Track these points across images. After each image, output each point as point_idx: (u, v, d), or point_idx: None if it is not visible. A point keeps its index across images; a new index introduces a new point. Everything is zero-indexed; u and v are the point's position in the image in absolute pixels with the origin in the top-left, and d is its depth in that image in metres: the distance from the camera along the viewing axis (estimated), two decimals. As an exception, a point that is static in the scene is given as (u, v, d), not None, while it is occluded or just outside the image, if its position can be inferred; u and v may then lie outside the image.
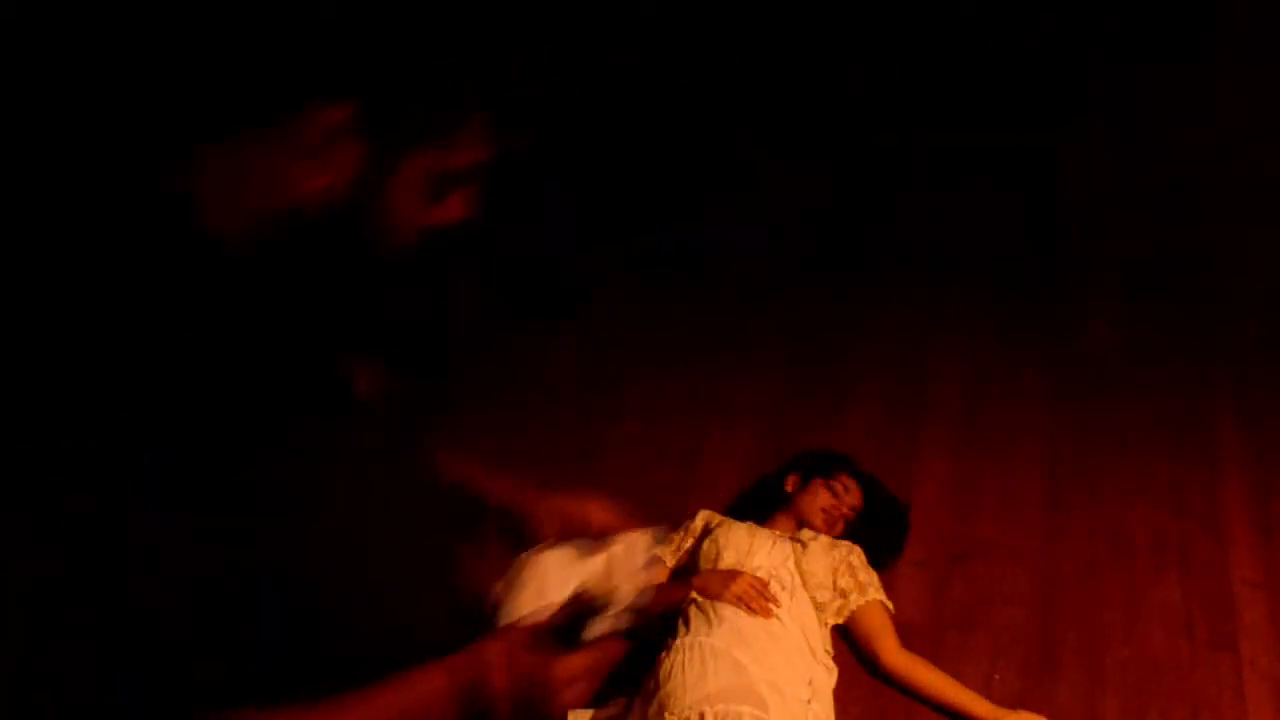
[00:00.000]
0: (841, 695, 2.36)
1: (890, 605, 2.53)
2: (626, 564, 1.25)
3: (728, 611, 2.29)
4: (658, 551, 2.65)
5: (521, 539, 1.29)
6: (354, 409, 1.06)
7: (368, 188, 0.98)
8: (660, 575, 2.62)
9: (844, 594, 2.50)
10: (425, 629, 1.12)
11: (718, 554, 2.50)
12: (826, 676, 2.36)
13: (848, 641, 2.52)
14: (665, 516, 2.79)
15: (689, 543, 2.64)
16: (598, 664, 1.11)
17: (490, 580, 1.23)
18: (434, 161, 1.01)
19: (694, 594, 2.37)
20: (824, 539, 2.58)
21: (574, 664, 1.09)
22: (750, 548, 2.50)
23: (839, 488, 2.69)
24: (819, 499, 2.66)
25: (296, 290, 0.99)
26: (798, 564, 2.49)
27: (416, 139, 0.99)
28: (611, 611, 1.15)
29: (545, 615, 1.14)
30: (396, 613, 1.08)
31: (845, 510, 2.67)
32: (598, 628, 1.13)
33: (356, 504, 1.03)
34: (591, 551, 1.27)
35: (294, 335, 0.99)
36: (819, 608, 2.47)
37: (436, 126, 1.00)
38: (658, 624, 2.41)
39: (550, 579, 1.24)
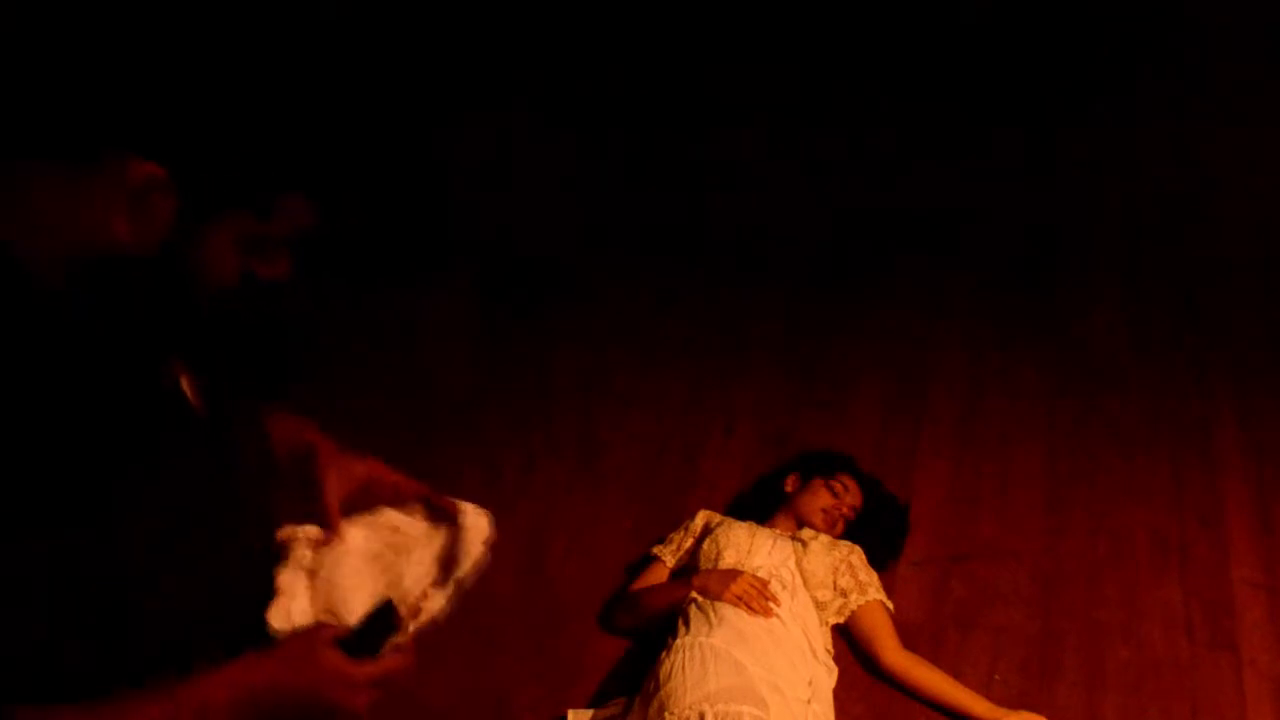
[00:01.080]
0: (841, 695, 2.36)
1: (890, 605, 2.53)
2: (471, 525, 1.22)
3: (728, 611, 2.29)
4: (657, 551, 2.66)
5: (310, 499, 1.24)
6: (179, 413, 1.08)
7: (182, 241, 1.01)
8: (662, 574, 2.62)
9: (844, 593, 2.50)
10: (235, 625, 1.11)
11: (718, 554, 2.50)
12: (827, 676, 2.36)
13: (848, 641, 2.52)
14: (666, 516, 2.79)
15: (689, 543, 2.64)
16: (392, 672, 1.10)
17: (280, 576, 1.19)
18: (249, 226, 1.03)
19: (694, 594, 2.37)
20: (824, 539, 2.58)
21: (372, 671, 1.08)
22: (750, 547, 2.50)
23: (839, 487, 2.69)
24: (819, 499, 2.66)
25: (112, 317, 1.02)
26: (798, 563, 2.49)
27: (230, 204, 1.02)
28: (413, 624, 1.14)
29: (343, 624, 1.12)
30: (206, 610, 1.07)
31: (845, 510, 2.67)
32: (398, 637, 1.12)
33: (173, 502, 1.04)
34: (402, 542, 1.23)
35: (113, 353, 1.02)
36: (820, 607, 2.47)
37: (251, 196, 1.03)
38: (658, 623, 2.42)
39: (346, 584, 1.19)
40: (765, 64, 4.83)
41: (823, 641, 2.42)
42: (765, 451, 3.05)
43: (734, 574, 2.39)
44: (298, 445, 1.25)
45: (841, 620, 2.50)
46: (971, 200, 4.14)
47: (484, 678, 2.48)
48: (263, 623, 1.13)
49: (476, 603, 2.47)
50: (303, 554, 1.19)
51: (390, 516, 1.25)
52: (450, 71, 4.64)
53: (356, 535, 1.23)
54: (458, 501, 1.26)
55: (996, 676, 2.45)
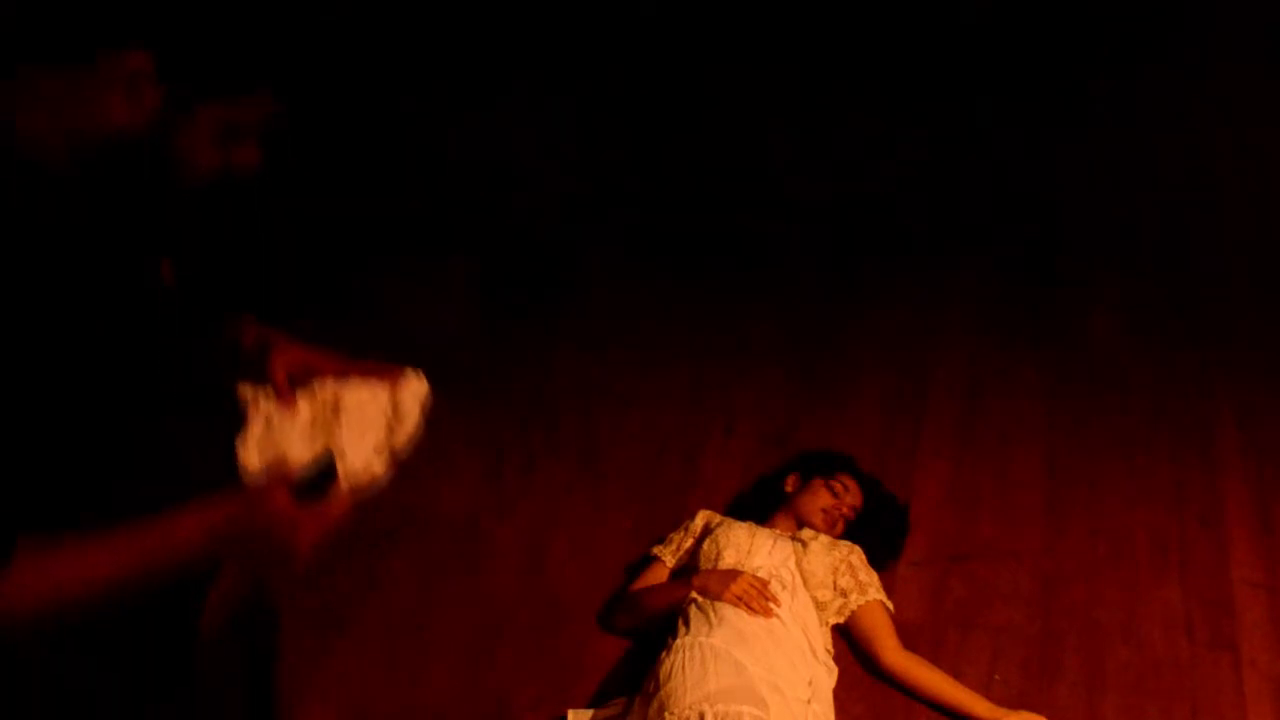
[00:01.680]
0: (841, 695, 2.36)
1: (890, 605, 2.53)
2: (403, 394, 1.39)
3: (728, 611, 2.29)
4: (657, 551, 2.67)
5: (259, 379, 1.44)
6: (159, 294, 1.26)
7: (167, 127, 1.17)
8: (661, 574, 2.62)
9: (844, 593, 2.50)
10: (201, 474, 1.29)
11: (718, 554, 2.50)
12: (827, 676, 2.36)
13: (848, 641, 2.52)
14: (666, 516, 2.79)
15: (689, 543, 2.64)
16: (331, 518, 1.26)
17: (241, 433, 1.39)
18: (223, 114, 1.20)
19: (694, 594, 2.37)
20: (824, 539, 2.58)
21: (318, 518, 1.25)
22: (750, 547, 2.50)
23: (839, 487, 2.69)
24: (819, 499, 2.66)
25: (107, 203, 1.18)
26: (798, 563, 2.49)
27: (210, 92, 1.19)
28: (350, 481, 1.31)
29: (292, 472, 1.27)
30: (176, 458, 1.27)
31: (845, 510, 2.66)
32: (353, 464, 1.31)
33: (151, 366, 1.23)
34: (344, 408, 1.40)
35: (106, 238, 1.19)
36: (820, 607, 2.47)
37: (228, 84, 1.20)
38: (658, 624, 2.42)
39: (293, 443, 1.37)
40: (766, 63, 4.83)
41: (823, 641, 2.42)
42: (765, 451, 3.05)
43: (734, 574, 2.39)
44: (260, 336, 1.44)
45: (841, 620, 2.50)
46: (972, 200, 4.14)
47: (484, 678, 2.48)
48: (229, 464, 1.33)
49: (476, 602, 2.48)
50: (263, 404, 1.39)
51: (333, 387, 1.42)
52: (450, 71, 4.64)
53: (303, 405, 1.40)
54: (398, 368, 1.43)
55: (996, 676, 2.45)
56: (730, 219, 4.04)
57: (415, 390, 1.42)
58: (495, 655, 2.52)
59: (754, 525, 2.61)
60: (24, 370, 1.08)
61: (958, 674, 2.42)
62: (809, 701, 2.20)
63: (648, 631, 2.46)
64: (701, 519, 2.68)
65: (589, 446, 3.11)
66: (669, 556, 2.64)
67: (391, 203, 3.90)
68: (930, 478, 2.98)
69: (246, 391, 1.40)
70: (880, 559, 2.64)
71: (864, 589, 2.51)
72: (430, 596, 2.67)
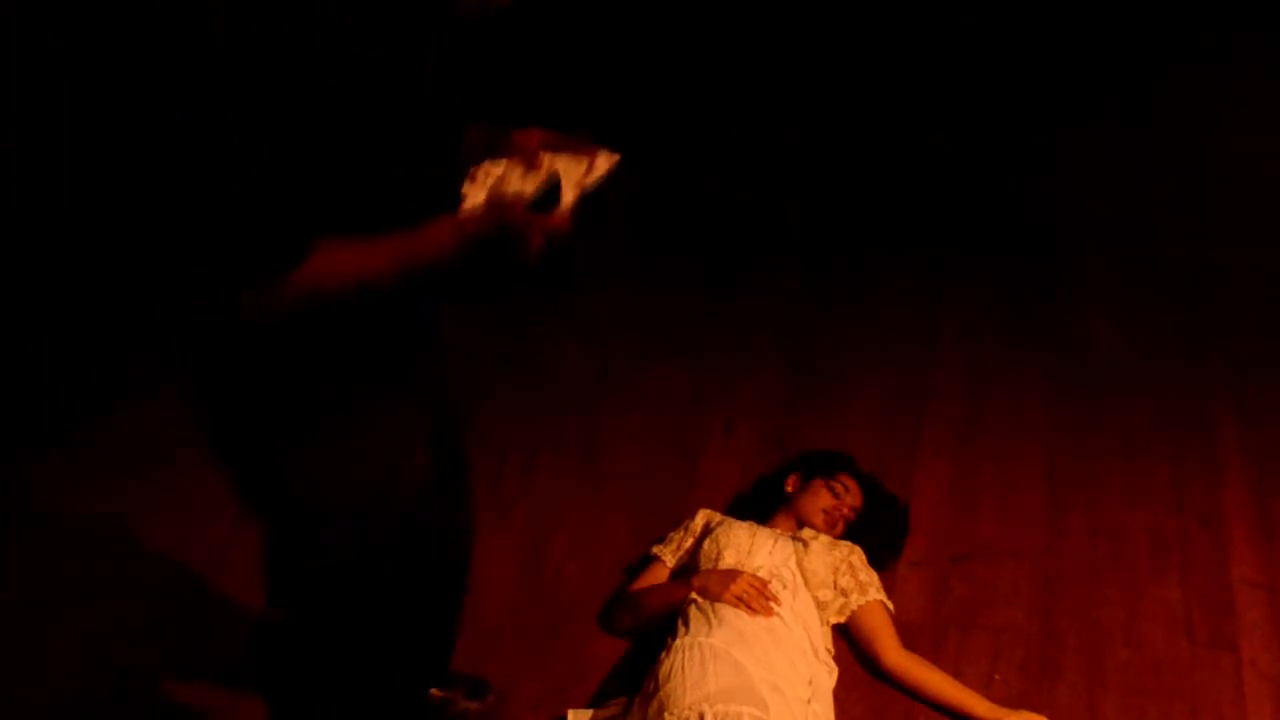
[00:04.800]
0: (841, 695, 2.36)
1: (890, 605, 2.53)
2: (600, 161, 1.73)
3: (728, 612, 2.29)
4: (657, 551, 2.66)
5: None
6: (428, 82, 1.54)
7: None
8: (662, 574, 2.62)
9: (845, 593, 2.50)
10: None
11: (718, 554, 2.49)
12: (827, 676, 2.36)
13: (848, 641, 2.52)
14: (666, 516, 2.79)
15: (689, 542, 2.64)
16: (560, 225, 1.61)
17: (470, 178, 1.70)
18: None
19: (694, 594, 2.37)
20: (824, 538, 2.58)
21: (547, 222, 1.59)
22: (751, 547, 2.50)
23: (839, 488, 2.69)
24: (819, 499, 2.66)
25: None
26: (799, 563, 2.49)
27: None
28: (578, 185, 1.68)
29: (527, 190, 1.66)
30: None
31: (846, 510, 2.66)
32: (565, 197, 1.66)
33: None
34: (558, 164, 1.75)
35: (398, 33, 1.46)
36: (820, 607, 2.47)
37: None
38: (658, 624, 2.41)
39: (514, 178, 1.72)
40: (766, 63, 4.83)
41: (823, 641, 2.42)
42: (765, 451, 3.05)
43: (734, 574, 2.39)
44: (491, 129, 1.76)
45: (842, 620, 2.50)
46: (972, 200, 4.14)
47: (484, 677, 2.48)
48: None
49: (476, 602, 2.47)
50: (487, 167, 1.73)
51: (549, 159, 1.76)
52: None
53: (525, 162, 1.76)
54: (596, 149, 1.76)
55: (996, 676, 2.45)
56: (730, 218, 4.04)
57: (610, 156, 1.75)
58: (495, 655, 2.52)
59: (754, 525, 2.61)
60: (325, 124, 1.38)
61: (958, 674, 2.42)
62: (809, 701, 2.20)
63: (648, 632, 2.46)
64: (702, 518, 2.68)
65: (589, 446, 3.11)
66: (669, 556, 2.64)
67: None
68: (930, 478, 2.98)
69: (475, 171, 1.72)
70: (880, 559, 2.64)
71: (864, 589, 2.51)
72: (430, 596, 2.67)
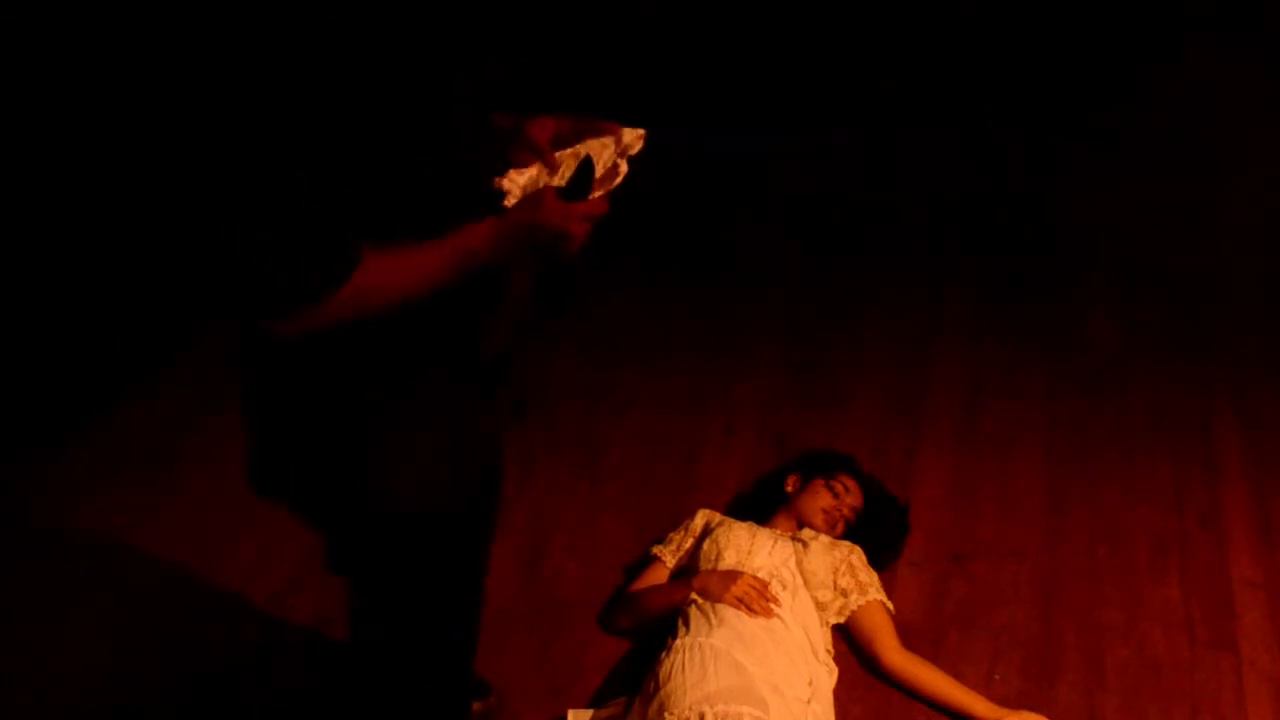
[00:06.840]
0: (841, 695, 2.36)
1: (890, 605, 2.53)
2: (626, 138, 1.72)
3: (728, 613, 2.29)
4: (657, 551, 2.66)
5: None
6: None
7: None
8: (662, 574, 2.62)
9: (845, 594, 2.50)
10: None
11: (718, 554, 2.49)
12: (827, 677, 2.36)
13: (848, 641, 2.52)
14: (666, 516, 2.79)
15: (689, 543, 2.64)
16: (596, 210, 1.59)
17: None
18: None
19: (694, 595, 2.37)
20: (824, 539, 2.58)
21: (583, 209, 1.58)
22: (751, 548, 2.50)
23: (840, 488, 2.69)
24: (819, 499, 2.66)
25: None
26: (799, 564, 2.49)
27: None
28: (607, 166, 1.66)
29: (556, 182, 1.65)
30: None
31: (846, 511, 2.66)
32: (597, 187, 1.64)
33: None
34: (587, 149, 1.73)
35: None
36: (820, 607, 2.47)
37: None
38: (658, 624, 2.41)
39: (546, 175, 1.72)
40: (765, 62, 4.83)
41: (823, 642, 2.42)
42: (765, 451, 3.05)
43: (734, 575, 2.39)
44: (512, 119, 1.75)
45: (842, 620, 2.50)
46: (971, 200, 4.15)
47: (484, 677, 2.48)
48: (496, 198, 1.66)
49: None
50: (516, 177, 1.72)
51: (575, 147, 1.76)
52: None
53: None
54: (618, 127, 1.74)
55: (996, 676, 2.45)
56: (730, 219, 4.04)
57: (636, 133, 1.73)
58: (495, 655, 2.52)
59: (754, 525, 2.61)
60: (357, 133, 1.40)
61: (958, 674, 2.42)
62: (809, 701, 2.20)
63: (648, 632, 2.46)
64: (702, 519, 2.68)
65: (589, 447, 3.11)
66: (669, 556, 2.64)
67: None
68: (930, 478, 2.98)
69: (502, 180, 1.72)
70: (880, 559, 2.64)
71: (864, 589, 2.50)
72: (430, 596, 2.67)
